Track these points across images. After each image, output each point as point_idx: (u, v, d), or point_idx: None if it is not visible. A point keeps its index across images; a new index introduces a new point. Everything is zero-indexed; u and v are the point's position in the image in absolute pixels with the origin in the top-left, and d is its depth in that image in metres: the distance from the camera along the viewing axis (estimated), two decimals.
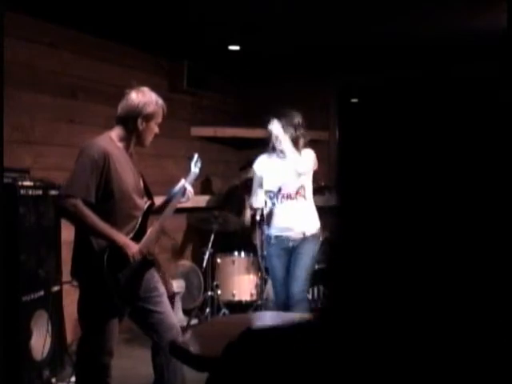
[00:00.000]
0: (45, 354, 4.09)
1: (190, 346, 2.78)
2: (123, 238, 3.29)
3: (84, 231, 3.27)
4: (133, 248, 3.31)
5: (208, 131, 7.24)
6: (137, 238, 3.39)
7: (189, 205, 6.94)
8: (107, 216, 3.23)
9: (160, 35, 5.85)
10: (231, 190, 6.94)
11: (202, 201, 7.14)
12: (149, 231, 3.48)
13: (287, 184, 4.77)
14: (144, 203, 3.46)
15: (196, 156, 3.85)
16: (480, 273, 0.39)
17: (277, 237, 4.80)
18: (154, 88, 6.52)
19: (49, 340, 4.12)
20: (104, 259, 3.23)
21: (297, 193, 4.77)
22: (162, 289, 3.58)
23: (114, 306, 3.32)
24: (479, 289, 0.39)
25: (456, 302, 0.38)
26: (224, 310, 5.87)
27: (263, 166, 4.90)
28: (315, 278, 5.19)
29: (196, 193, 7.19)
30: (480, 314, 0.39)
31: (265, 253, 4.87)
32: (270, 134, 4.78)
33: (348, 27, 5.56)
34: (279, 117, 4.82)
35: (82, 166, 3.19)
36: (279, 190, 4.79)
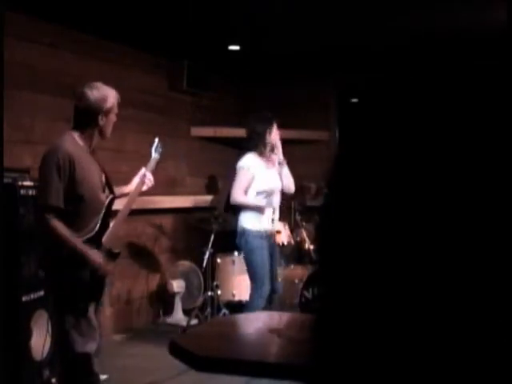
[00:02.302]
0: (45, 354, 4.09)
1: (189, 346, 2.78)
2: (95, 258, 3.31)
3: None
4: (98, 259, 3.34)
5: (208, 131, 7.24)
6: (101, 231, 3.41)
7: (189, 205, 6.97)
8: (75, 216, 3.28)
9: (160, 35, 5.85)
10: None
11: (203, 201, 7.15)
12: (112, 224, 3.51)
13: (278, 188, 5.04)
14: (105, 197, 3.48)
15: (156, 141, 3.85)
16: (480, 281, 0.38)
17: (265, 231, 4.97)
18: (154, 88, 6.58)
19: (49, 340, 4.11)
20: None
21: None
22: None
23: (87, 298, 3.35)
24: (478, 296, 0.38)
25: (455, 309, 0.38)
26: (224, 310, 5.87)
27: (256, 166, 4.97)
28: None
29: (197, 193, 7.22)
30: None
31: (248, 247, 4.94)
32: (259, 134, 4.93)
33: (348, 27, 5.56)
34: (274, 121, 5.02)
35: (49, 174, 3.23)
36: (272, 191, 4.98)
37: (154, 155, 3.83)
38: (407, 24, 5.43)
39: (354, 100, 8.01)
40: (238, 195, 4.96)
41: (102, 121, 3.37)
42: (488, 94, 0.41)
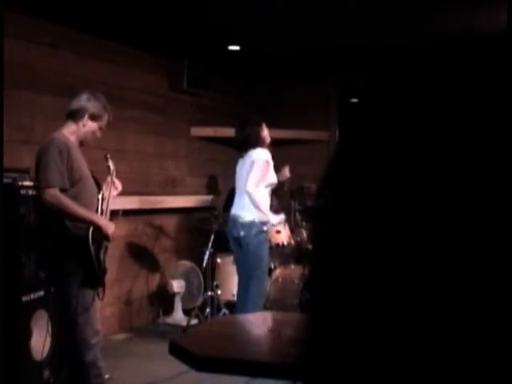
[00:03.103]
0: (45, 354, 4.09)
1: (190, 346, 2.78)
2: (102, 219, 3.60)
3: (60, 222, 3.46)
4: (111, 227, 3.63)
5: (208, 131, 7.24)
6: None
7: (189, 205, 6.96)
8: (76, 199, 3.51)
9: (160, 35, 5.85)
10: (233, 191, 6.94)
11: (203, 201, 7.15)
12: None
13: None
14: (97, 194, 3.73)
15: (109, 155, 4.09)
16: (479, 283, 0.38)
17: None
18: (154, 88, 6.58)
19: (49, 340, 4.11)
20: (90, 244, 3.47)
21: None
22: None
23: (96, 286, 3.55)
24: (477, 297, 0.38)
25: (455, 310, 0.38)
26: (224, 310, 5.87)
27: (270, 158, 5.11)
28: None
29: (197, 193, 7.22)
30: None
31: (261, 238, 4.97)
32: (256, 134, 5.13)
33: (348, 27, 5.56)
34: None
35: (53, 159, 3.47)
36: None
37: (112, 166, 4.05)
38: (407, 24, 5.43)
39: (354, 100, 8.01)
40: (256, 190, 4.98)
41: (86, 122, 3.61)
42: (488, 94, 0.41)
